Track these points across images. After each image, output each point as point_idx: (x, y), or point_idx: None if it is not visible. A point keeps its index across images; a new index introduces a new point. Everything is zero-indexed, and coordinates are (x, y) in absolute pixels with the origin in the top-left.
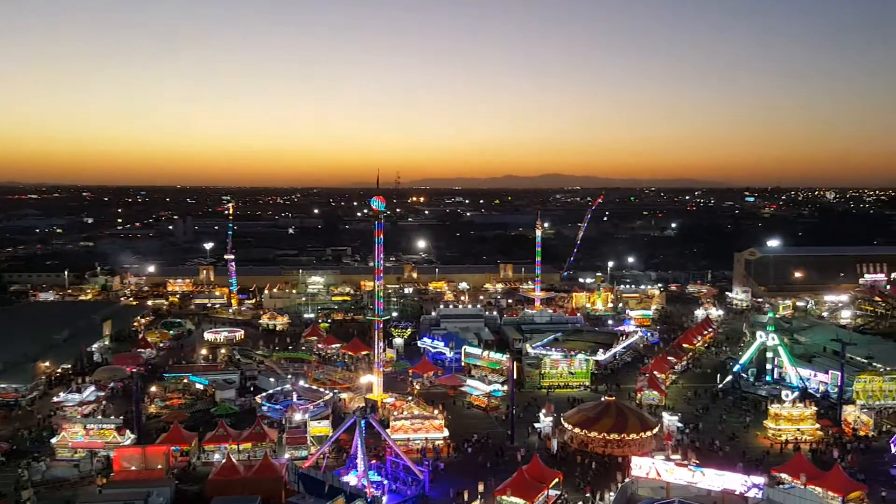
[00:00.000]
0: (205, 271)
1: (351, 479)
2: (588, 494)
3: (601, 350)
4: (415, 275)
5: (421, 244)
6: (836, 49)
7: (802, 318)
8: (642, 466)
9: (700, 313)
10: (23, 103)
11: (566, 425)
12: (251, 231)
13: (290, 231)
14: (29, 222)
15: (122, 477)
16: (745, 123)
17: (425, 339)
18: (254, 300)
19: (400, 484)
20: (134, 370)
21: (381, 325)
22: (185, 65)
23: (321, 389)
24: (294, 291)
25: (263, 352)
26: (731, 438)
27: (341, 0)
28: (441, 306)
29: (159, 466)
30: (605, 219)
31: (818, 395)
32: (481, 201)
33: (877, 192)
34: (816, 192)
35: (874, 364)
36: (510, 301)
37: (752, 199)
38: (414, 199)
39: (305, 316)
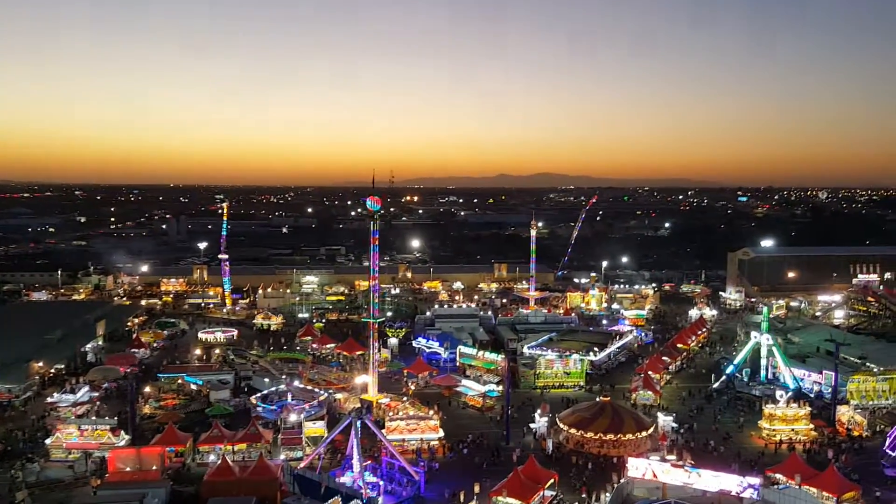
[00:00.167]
0: (198, 271)
1: (347, 479)
2: (584, 495)
3: (596, 350)
4: (409, 274)
5: (415, 244)
6: (830, 50)
7: (796, 319)
8: (639, 468)
9: (694, 313)
10: (14, 102)
11: (562, 426)
12: (245, 230)
13: (284, 230)
14: (21, 221)
15: (116, 478)
16: (738, 124)
17: (420, 339)
18: (248, 300)
19: (395, 485)
20: (128, 370)
21: (377, 326)
22: (177, 64)
23: (316, 390)
24: (288, 291)
25: (258, 352)
26: (726, 438)
27: None
28: (436, 306)
29: (154, 467)
30: (599, 218)
31: (812, 396)
32: (475, 200)
33: (869, 192)
34: (809, 192)
35: (868, 364)
36: (505, 301)
37: (745, 199)
38: (408, 198)
39: (300, 316)
